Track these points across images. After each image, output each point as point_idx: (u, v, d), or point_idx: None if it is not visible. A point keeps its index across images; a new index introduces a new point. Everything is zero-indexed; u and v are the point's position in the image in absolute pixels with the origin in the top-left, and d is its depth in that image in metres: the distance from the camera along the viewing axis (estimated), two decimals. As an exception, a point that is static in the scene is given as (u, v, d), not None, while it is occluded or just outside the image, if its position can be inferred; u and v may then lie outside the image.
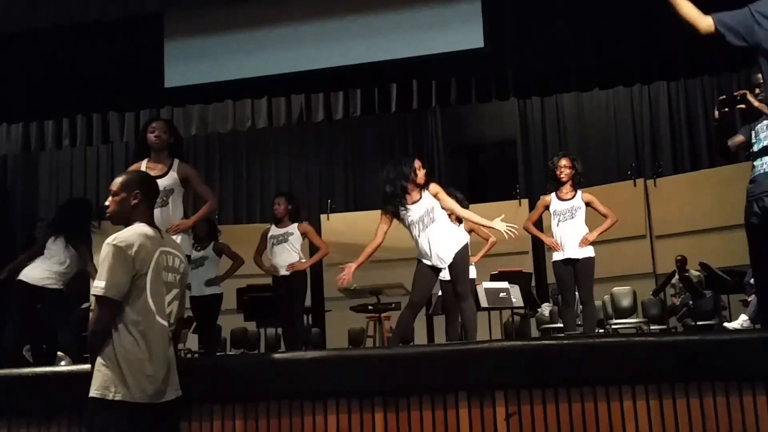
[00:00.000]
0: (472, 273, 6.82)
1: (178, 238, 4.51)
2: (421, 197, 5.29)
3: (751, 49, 3.45)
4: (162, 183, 4.59)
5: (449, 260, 5.27)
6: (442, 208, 5.35)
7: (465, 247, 5.39)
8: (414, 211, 5.27)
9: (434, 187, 5.34)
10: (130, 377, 2.93)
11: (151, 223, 3.17)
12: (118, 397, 2.92)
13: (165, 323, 3.08)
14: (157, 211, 4.50)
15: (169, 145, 4.77)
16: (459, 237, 5.46)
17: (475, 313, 5.50)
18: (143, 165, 4.74)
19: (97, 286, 2.94)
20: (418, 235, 5.28)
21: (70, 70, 7.76)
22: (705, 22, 3.42)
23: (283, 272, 6.55)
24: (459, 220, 6.73)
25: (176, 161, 4.76)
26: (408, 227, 5.32)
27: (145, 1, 7.13)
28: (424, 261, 5.31)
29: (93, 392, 2.95)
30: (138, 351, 2.96)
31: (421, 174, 5.29)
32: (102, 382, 2.94)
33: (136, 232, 3.06)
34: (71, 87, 7.81)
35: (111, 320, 2.96)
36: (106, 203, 3.20)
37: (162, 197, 4.58)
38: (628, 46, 6.93)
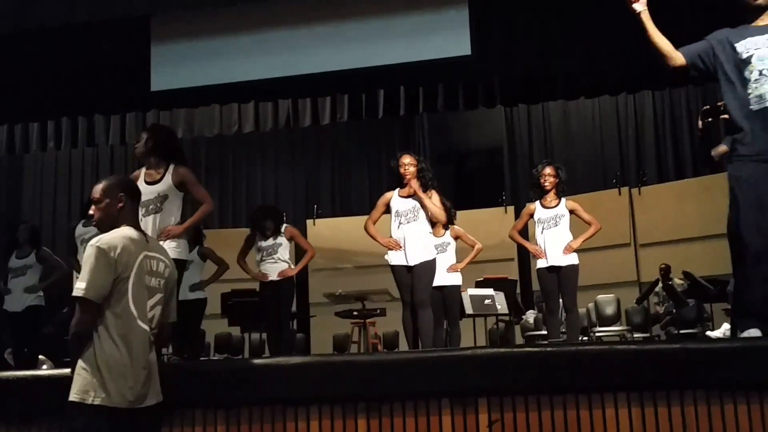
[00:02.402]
0: (458, 280, 6.85)
1: (171, 243, 4.51)
2: (413, 194, 5.67)
3: (712, 76, 3.83)
4: (156, 189, 4.59)
5: (412, 262, 5.54)
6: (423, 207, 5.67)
7: (432, 261, 5.64)
8: (401, 203, 5.67)
9: (433, 194, 5.69)
10: (110, 382, 2.91)
11: (136, 226, 3.15)
12: (97, 402, 2.89)
13: (146, 328, 3.05)
14: (151, 218, 4.51)
15: (158, 149, 4.71)
16: (431, 249, 5.67)
17: (431, 323, 5.59)
18: (142, 172, 4.73)
19: (78, 287, 2.92)
20: (397, 227, 5.65)
21: (56, 72, 7.74)
22: (679, 58, 3.80)
23: (272, 277, 6.55)
24: (445, 226, 6.78)
25: (171, 166, 4.69)
26: (393, 215, 5.71)
27: (132, 4, 7.13)
28: (393, 262, 5.61)
29: (72, 396, 2.93)
30: (118, 355, 2.94)
31: (409, 171, 5.64)
32: (82, 386, 2.92)
33: (121, 235, 3.04)
34: (57, 89, 7.79)
35: (91, 323, 2.94)
36: (90, 212, 3.18)
37: (156, 203, 4.57)
38: (614, 55, 6.97)
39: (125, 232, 3.07)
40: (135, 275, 3.01)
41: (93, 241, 2.99)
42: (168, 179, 4.65)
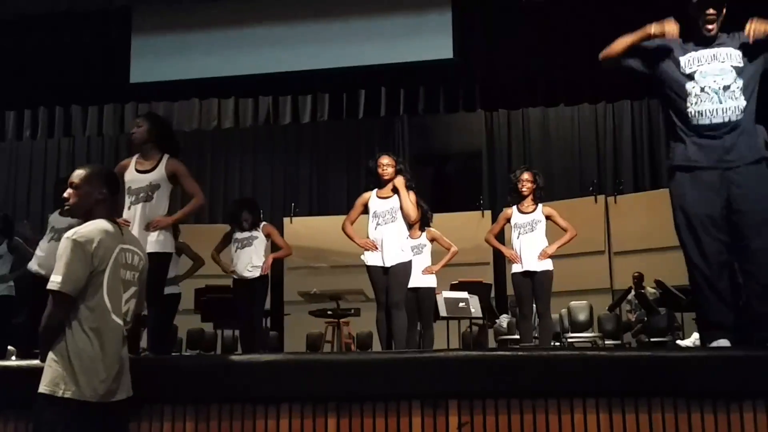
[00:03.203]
0: (433, 282, 6.87)
1: (158, 235, 4.49)
2: (392, 195, 5.64)
3: (645, 75, 4.02)
4: (148, 178, 4.60)
5: (388, 263, 5.51)
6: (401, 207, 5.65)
7: (408, 263, 5.64)
8: (379, 204, 5.63)
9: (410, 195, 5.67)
10: (82, 375, 2.88)
11: (111, 218, 3.13)
12: (68, 395, 2.87)
13: (120, 322, 3.03)
14: (140, 206, 4.51)
15: (155, 138, 4.71)
16: (407, 250, 5.67)
17: (405, 325, 5.59)
18: (133, 160, 4.71)
19: (54, 280, 2.89)
20: (374, 228, 5.61)
21: (34, 61, 7.65)
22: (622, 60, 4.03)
23: (245, 274, 6.54)
24: (422, 228, 6.79)
25: (165, 156, 4.69)
26: (370, 216, 5.68)
27: (114, -5, 7.08)
28: (369, 263, 5.58)
29: (42, 388, 2.90)
30: (91, 349, 2.91)
31: (387, 171, 5.63)
32: (52, 378, 2.89)
33: (96, 227, 3.01)
34: (34, 78, 7.70)
35: (64, 316, 2.91)
36: (65, 195, 3.13)
37: (147, 191, 4.58)
38: (594, 64, 6.99)
39: (101, 225, 3.04)
40: (111, 269, 2.98)
41: (68, 234, 2.96)
42: (161, 169, 4.64)
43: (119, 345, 3.03)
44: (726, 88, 3.77)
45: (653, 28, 3.88)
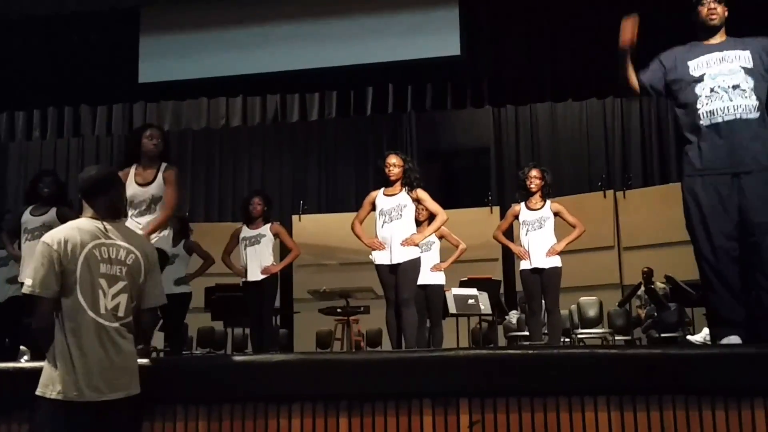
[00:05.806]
0: (442, 279, 6.87)
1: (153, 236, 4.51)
2: (399, 192, 5.68)
3: (662, 96, 4.08)
4: (149, 191, 4.67)
5: (396, 260, 5.54)
6: (424, 208, 5.92)
7: (417, 259, 5.66)
8: (385, 202, 5.67)
9: (419, 192, 5.71)
10: (66, 375, 2.91)
11: (97, 217, 3.09)
12: (54, 395, 2.90)
13: (99, 319, 2.97)
14: (144, 219, 4.58)
15: (163, 153, 4.80)
16: (415, 247, 5.66)
17: (415, 322, 5.60)
18: (132, 171, 4.75)
19: (26, 283, 2.96)
20: (382, 225, 5.65)
21: (43, 61, 7.69)
22: (636, 85, 4.02)
23: (254, 277, 6.53)
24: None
25: (164, 165, 4.77)
26: (377, 214, 5.71)
27: (122, -4, 7.10)
28: (377, 261, 5.61)
29: (37, 389, 2.96)
30: (70, 348, 2.93)
31: (393, 171, 5.67)
32: (44, 380, 2.95)
33: (69, 226, 3.05)
34: (44, 78, 7.74)
35: (46, 317, 2.95)
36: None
37: (149, 204, 4.65)
38: (602, 58, 6.98)
39: (76, 223, 3.07)
40: (82, 266, 2.97)
41: (43, 237, 3.04)
42: (159, 180, 4.72)
43: (101, 342, 2.97)
44: (735, 87, 3.78)
45: (622, 39, 3.94)
